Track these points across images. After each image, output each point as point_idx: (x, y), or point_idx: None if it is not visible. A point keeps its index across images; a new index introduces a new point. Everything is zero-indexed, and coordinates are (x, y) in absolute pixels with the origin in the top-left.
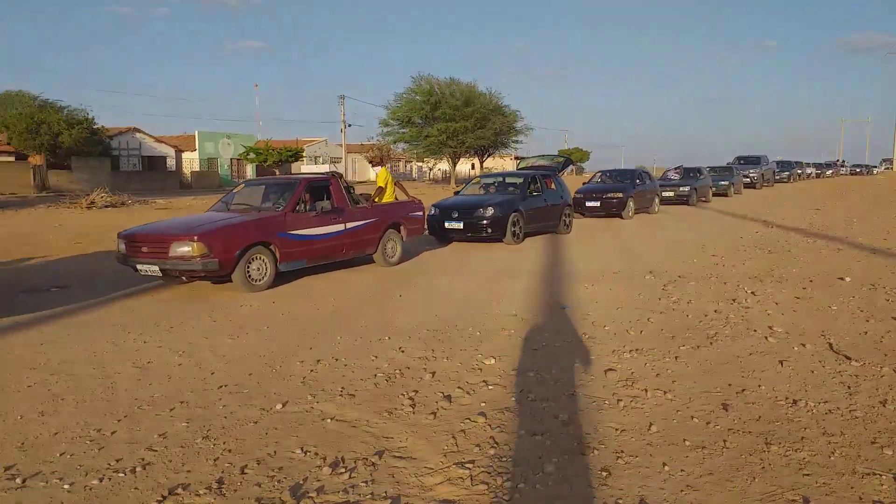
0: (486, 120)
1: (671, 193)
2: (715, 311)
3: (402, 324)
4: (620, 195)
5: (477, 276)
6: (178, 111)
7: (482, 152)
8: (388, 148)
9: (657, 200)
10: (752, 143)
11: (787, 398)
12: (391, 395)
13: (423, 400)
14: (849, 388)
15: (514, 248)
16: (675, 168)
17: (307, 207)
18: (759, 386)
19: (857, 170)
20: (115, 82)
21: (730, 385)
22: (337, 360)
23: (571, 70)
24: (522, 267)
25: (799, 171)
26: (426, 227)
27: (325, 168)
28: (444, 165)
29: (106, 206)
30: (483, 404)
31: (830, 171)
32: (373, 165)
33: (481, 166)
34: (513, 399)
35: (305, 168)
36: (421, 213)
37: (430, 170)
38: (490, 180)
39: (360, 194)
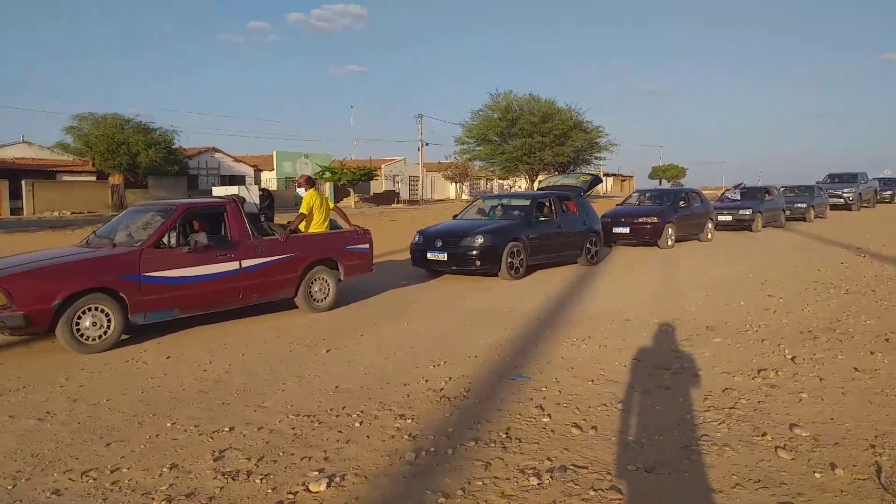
0: (565, 136)
1: (729, 217)
2: (724, 390)
3: (278, 402)
4: (655, 220)
5: (443, 321)
6: (275, 133)
7: (563, 169)
8: (465, 165)
9: (710, 226)
10: (872, 163)
11: None
12: None
13: None
14: None
15: (513, 285)
16: (736, 186)
17: (184, 242)
18: None
19: None
20: (223, 108)
21: None
22: (113, 471)
23: (671, 85)
24: (516, 308)
25: None
26: (411, 257)
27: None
28: (524, 183)
29: None
30: None
31: None
32: (298, 186)
33: None
34: None
35: (217, 191)
36: (367, 247)
37: (511, 188)
38: (493, 203)
39: (286, 224)
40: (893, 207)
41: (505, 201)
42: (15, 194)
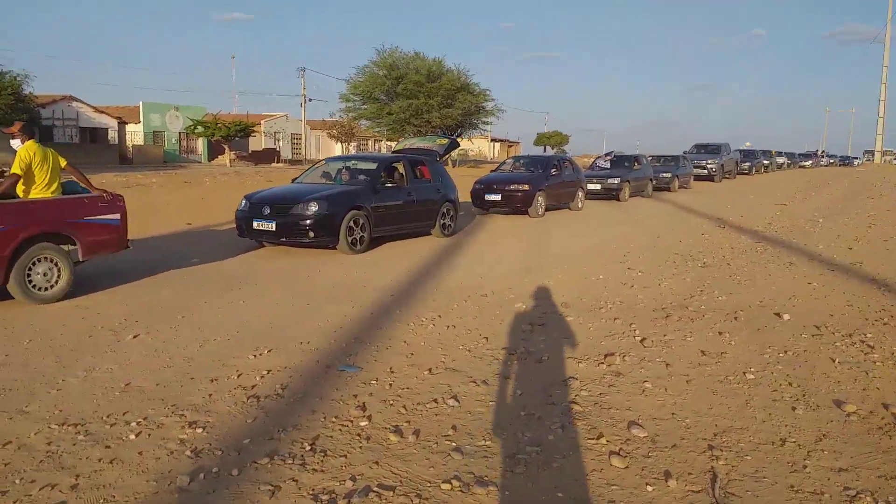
0: (452, 98)
1: (598, 186)
2: (566, 379)
3: (46, 406)
4: (527, 187)
5: (287, 298)
6: (147, 83)
7: (450, 133)
8: (351, 124)
9: (581, 194)
10: (742, 134)
11: None
12: None
13: None
14: None
15: (355, 259)
16: (607, 154)
17: None
18: None
19: (831, 161)
20: (91, 54)
21: None
22: None
23: (558, 52)
24: (370, 283)
25: (765, 162)
26: (236, 226)
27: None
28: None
29: None
30: None
31: (809, 162)
32: (11, 137)
33: None
34: None
35: None
36: (117, 218)
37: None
38: (339, 165)
39: None
40: (752, 179)
41: (351, 164)
42: None
